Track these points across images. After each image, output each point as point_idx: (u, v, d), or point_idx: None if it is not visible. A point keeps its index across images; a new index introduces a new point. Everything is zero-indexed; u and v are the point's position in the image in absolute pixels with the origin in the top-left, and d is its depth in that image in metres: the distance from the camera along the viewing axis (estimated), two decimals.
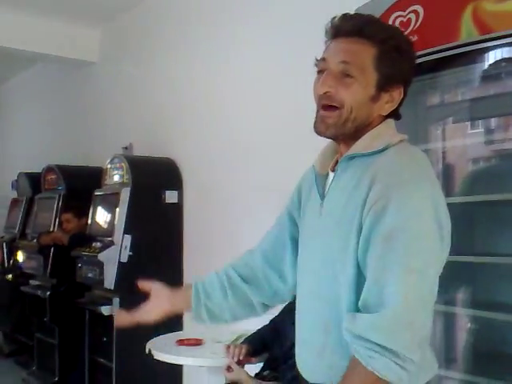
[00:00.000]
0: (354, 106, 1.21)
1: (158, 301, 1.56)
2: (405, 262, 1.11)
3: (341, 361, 1.19)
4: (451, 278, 1.94)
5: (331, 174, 1.30)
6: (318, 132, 1.26)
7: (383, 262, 1.12)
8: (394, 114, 1.29)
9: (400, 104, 1.27)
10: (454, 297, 1.99)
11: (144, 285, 1.59)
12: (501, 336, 1.89)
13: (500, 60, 1.81)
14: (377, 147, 1.21)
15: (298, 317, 1.37)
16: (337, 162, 1.30)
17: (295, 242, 1.44)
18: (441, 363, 1.97)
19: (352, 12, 1.28)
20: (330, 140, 1.33)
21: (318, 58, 1.27)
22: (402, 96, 1.26)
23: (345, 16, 1.25)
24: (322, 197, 1.30)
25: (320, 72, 1.26)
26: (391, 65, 1.22)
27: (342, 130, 1.24)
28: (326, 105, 1.23)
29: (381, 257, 1.13)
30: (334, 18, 1.25)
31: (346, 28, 1.23)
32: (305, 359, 1.34)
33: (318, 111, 1.26)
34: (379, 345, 1.08)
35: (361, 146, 1.24)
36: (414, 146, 1.28)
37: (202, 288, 1.52)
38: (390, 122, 1.29)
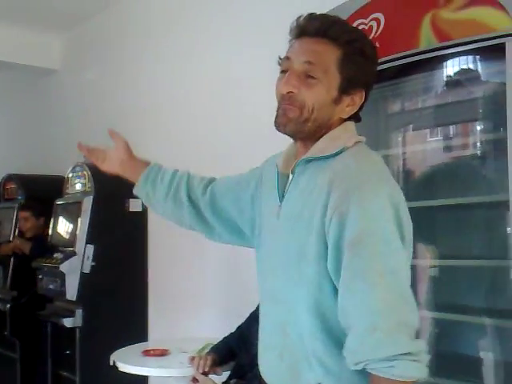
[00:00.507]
0: (316, 107, 1.21)
1: (116, 156, 1.66)
2: (375, 266, 1.11)
3: (299, 362, 1.21)
4: (412, 280, 1.99)
5: (290, 176, 1.29)
6: (278, 125, 1.25)
7: (353, 270, 1.12)
8: (355, 117, 1.29)
9: (361, 108, 1.28)
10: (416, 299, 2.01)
11: (114, 135, 1.68)
12: (463, 337, 1.92)
13: (459, 69, 1.85)
14: (332, 150, 1.22)
15: (261, 320, 1.38)
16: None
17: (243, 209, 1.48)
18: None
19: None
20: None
21: (282, 57, 1.27)
22: (363, 100, 1.26)
23: (311, 16, 1.24)
24: (281, 198, 1.29)
25: (283, 72, 1.25)
26: (355, 68, 1.22)
27: (301, 127, 1.23)
28: (288, 104, 1.23)
29: (349, 265, 1.12)
30: (300, 17, 1.24)
31: (312, 28, 1.22)
32: (266, 362, 1.34)
33: (279, 107, 1.25)
34: (390, 357, 1.08)
35: (317, 148, 1.24)
36: (370, 149, 1.28)
37: (154, 175, 1.58)
38: (349, 124, 1.28)
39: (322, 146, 1.24)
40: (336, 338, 1.16)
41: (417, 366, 1.10)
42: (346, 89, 1.22)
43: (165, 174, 1.58)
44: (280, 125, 1.25)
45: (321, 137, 1.25)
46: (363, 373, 1.13)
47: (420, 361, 1.10)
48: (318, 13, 1.26)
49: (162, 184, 1.57)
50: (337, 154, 1.21)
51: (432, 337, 1.98)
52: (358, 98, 1.25)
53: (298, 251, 1.21)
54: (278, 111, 1.26)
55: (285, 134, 1.28)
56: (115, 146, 1.65)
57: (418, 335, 1.14)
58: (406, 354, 1.08)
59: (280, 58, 1.27)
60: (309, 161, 1.25)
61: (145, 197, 1.59)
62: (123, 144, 1.66)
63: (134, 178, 1.60)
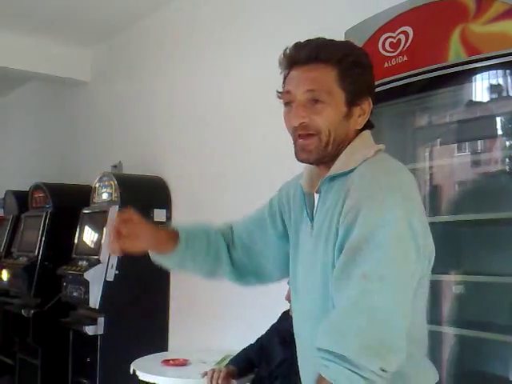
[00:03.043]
0: (331, 129, 1.24)
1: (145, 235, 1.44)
2: (363, 269, 1.09)
3: None
4: (437, 296, 1.96)
5: (316, 195, 1.31)
6: (302, 160, 1.29)
7: (347, 272, 1.12)
8: (368, 125, 1.31)
9: (371, 113, 1.30)
10: (440, 315, 1.98)
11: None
12: (490, 356, 1.88)
13: (488, 83, 1.84)
14: (354, 165, 1.23)
15: (296, 335, 1.38)
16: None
17: (282, 242, 1.45)
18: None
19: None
20: None
21: (280, 91, 1.30)
22: (371, 106, 1.29)
23: (297, 45, 1.27)
24: (311, 219, 1.31)
25: (287, 104, 1.28)
26: (354, 80, 1.24)
27: (324, 153, 1.26)
28: (304, 134, 1.25)
29: (344, 267, 1.13)
30: (286, 49, 1.28)
31: (302, 56, 1.25)
32: (306, 376, 1.33)
33: (295, 141, 1.28)
34: (327, 351, 1.06)
35: (339, 164, 1.26)
36: (391, 156, 1.28)
37: (192, 239, 1.47)
38: (365, 133, 1.30)
39: (343, 162, 1.26)
40: None
41: (351, 377, 1.02)
42: (352, 101, 1.25)
43: (197, 234, 1.49)
44: (303, 160, 1.28)
45: (340, 152, 1.27)
46: None
47: (361, 376, 1.02)
48: (303, 40, 1.28)
49: (201, 244, 1.48)
50: (358, 166, 1.23)
51: (460, 354, 1.94)
52: (367, 105, 1.28)
53: (331, 265, 1.20)
54: (295, 147, 1.28)
55: (309, 164, 1.32)
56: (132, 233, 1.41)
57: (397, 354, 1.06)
58: (342, 358, 1.03)
59: (278, 92, 1.31)
60: (333, 178, 1.26)
61: (178, 262, 1.49)
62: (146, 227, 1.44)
63: (163, 248, 1.47)
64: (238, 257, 1.50)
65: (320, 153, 1.25)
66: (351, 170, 1.23)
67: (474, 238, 1.93)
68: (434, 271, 1.90)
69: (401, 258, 1.12)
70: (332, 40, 1.30)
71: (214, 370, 2.31)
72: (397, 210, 1.13)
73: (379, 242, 1.10)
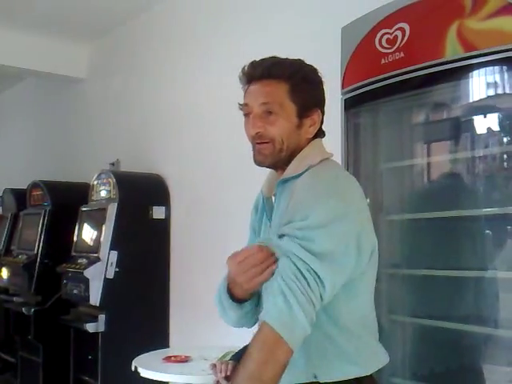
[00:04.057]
0: (284, 137, 1.39)
1: None
2: (293, 250, 1.24)
3: (299, 359, 1.28)
4: (431, 290, 1.99)
5: (273, 198, 1.46)
6: (258, 163, 1.44)
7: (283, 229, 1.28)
8: (319, 134, 1.46)
9: (321, 123, 1.45)
10: (416, 309, 2.02)
11: None
12: (459, 346, 1.91)
13: (485, 79, 1.84)
14: (301, 170, 1.38)
15: None
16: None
17: None
18: (404, 374, 2.00)
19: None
20: None
21: (241, 103, 1.45)
22: (321, 117, 1.45)
23: (252, 64, 1.43)
24: (270, 219, 1.46)
25: (246, 115, 1.44)
26: (304, 94, 1.40)
27: (277, 157, 1.41)
28: (260, 142, 1.41)
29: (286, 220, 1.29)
30: (244, 67, 1.44)
31: (257, 73, 1.41)
32: None
33: (253, 147, 1.43)
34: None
35: (290, 169, 1.41)
36: (336, 163, 1.47)
37: None
38: (316, 142, 1.46)
39: (293, 167, 1.41)
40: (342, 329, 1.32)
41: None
42: (303, 113, 1.41)
43: None
44: (260, 162, 1.44)
45: (293, 158, 1.42)
46: (350, 362, 1.30)
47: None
48: (258, 59, 1.44)
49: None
50: (304, 173, 1.38)
51: (430, 345, 1.98)
52: (316, 116, 1.44)
53: None
54: (253, 151, 1.44)
55: (265, 167, 1.47)
56: None
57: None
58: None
59: (240, 104, 1.46)
60: (285, 181, 1.41)
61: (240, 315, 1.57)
62: None
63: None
64: None
65: (274, 157, 1.41)
66: (298, 175, 1.38)
67: (472, 233, 1.94)
68: (428, 265, 1.93)
69: (328, 256, 1.24)
70: (285, 58, 1.45)
71: (221, 363, 2.32)
72: (330, 213, 1.26)
73: (303, 237, 1.24)
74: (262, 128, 1.39)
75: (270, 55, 1.46)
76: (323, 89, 1.47)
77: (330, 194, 1.30)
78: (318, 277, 1.21)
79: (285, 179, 1.41)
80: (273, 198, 1.46)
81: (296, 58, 1.47)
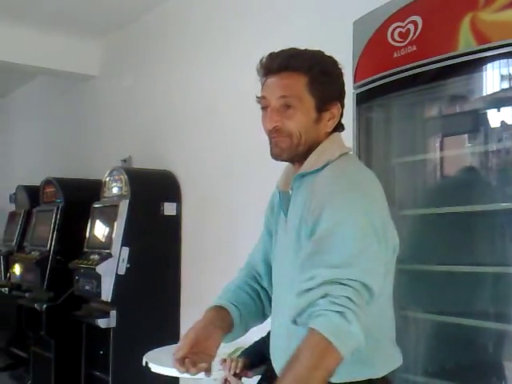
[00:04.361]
0: (302, 132, 1.36)
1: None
2: (330, 261, 1.19)
3: None
4: (439, 286, 1.97)
5: (290, 192, 1.43)
6: (275, 156, 1.41)
7: (311, 261, 1.22)
8: (338, 127, 1.44)
9: (341, 116, 1.43)
10: (433, 305, 2.01)
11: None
12: (472, 342, 1.90)
13: (499, 72, 1.82)
14: (320, 164, 1.36)
15: (271, 321, 1.51)
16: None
17: None
18: (424, 371, 1.99)
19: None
20: None
21: (259, 96, 1.42)
22: (340, 110, 1.42)
23: (271, 55, 1.40)
24: (286, 214, 1.43)
25: (264, 108, 1.41)
26: (323, 88, 1.37)
27: (295, 152, 1.39)
28: (277, 136, 1.38)
29: (309, 257, 1.23)
30: (262, 59, 1.41)
31: (275, 66, 1.37)
32: (274, 359, 1.47)
33: (270, 140, 1.41)
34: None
35: (308, 164, 1.39)
36: (356, 158, 1.48)
37: (238, 315, 1.50)
38: (334, 135, 1.43)
39: (312, 161, 1.39)
40: None
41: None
42: (322, 107, 1.38)
43: (243, 301, 1.53)
44: (276, 156, 1.41)
45: (312, 152, 1.39)
46: (364, 363, 1.26)
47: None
48: (277, 50, 1.41)
49: (250, 308, 1.55)
50: (323, 168, 1.36)
51: (444, 341, 1.97)
52: (336, 110, 1.41)
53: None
54: (270, 145, 1.41)
55: (282, 161, 1.45)
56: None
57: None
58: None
59: (257, 97, 1.43)
60: (303, 175, 1.39)
61: (237, 334, 1.53)
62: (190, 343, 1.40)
63: (219, 334, 1.45)
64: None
65: (291, 152, 1.39)
66: (317, 170, 1.36)
67: (483, 228, 1.92)
68: (441, 261, 1.92)
69: (364, 249, 1.21)
70: (303, 50, 1.41)
71: (232, 359, 2.32)
72: (355, 209, 1.24)
73: (341, 236, 1.21)
74: (279, 122, 1.37)
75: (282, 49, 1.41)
76: (343, 81, 1.44)
77: (354, 191, 1.28)
78: (364, 284, 1.17)
79: (302, 174, 1.39)
80: (290, 192, 1.43)
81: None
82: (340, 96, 1.42)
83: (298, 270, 1.25)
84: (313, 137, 1.38)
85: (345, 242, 1.20)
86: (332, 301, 1.14)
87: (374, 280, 1.21)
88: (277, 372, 1.42)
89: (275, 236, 1.49)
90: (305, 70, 1.35)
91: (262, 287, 1.57)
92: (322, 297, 1.15)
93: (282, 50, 1.40)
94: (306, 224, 1.30)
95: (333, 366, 1.15)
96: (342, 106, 1.43)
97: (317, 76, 1.36)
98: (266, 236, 1.57)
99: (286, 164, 1.51)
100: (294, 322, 1.23)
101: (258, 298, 1.57)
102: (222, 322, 1.45)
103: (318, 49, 1.45)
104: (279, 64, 1.37)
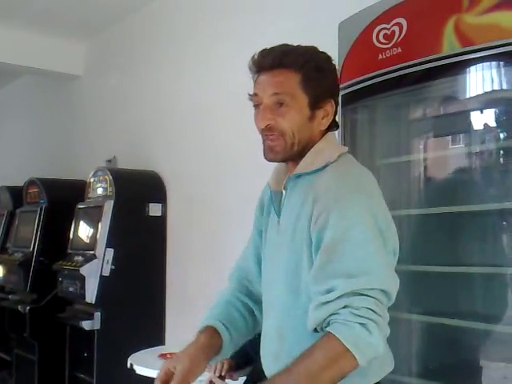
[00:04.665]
0: (295, 130, 1.33)
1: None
2: (345, 270, 1.17)
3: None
4: (431, 286, 1.98)
5: (284, 192, 1.39)
6: (269, 159, 1.38)
7: (326, 271, 1.19)
8: (333, 125, 1.41)
9: (335, 114, 1.39)
10: (420, 306, 2.02)
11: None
12: (465, 343, 1.91)
13: (482, 74, 1.83)
14: (318, 165, 1.33)
15: (262, 328, 1.46)
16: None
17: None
18: (410, 372, 2.00)
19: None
20: None
21: (251, 94, 1.38)
22: (334, 108, 1.38)
23: (263, 52, 1.36)
24: (278, 214, 1.40)
25: (256, 106, 1.37)
26: (316, 85, 1.33)
27: (290, 152, 1.35)
28: (270, 135, 1.34)
29: (322, 267, 1.20)
30: (254, 55, 1.37)
31: (267, 62, 1.33)
32: (265, 364, 1.43)
33: (263, 141, 1.37)
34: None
35: (305, 163, 1.35)
36: (354, 158, 1.40)
37: (227, 334, 1.44)
38: (329, 135, 1.40)
39: (308, 161, 1.35)
40: None
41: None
42: (315, 104, 1.34)
43: (231, 318, 1.49)
44: (271, 159, 1.38)
45: (307, 152, 1.36)
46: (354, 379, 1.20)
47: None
48: (268, 47, 1.37)
49: (239, 323, 1.50)
50: (323, 169, 1.33)
51: (437, 343, 1.97)
52: (330, 107, 1.37)
53: (297, 260, 1.30)
54: (264, 145, 1.37)
55: (276, 162, 1.41)
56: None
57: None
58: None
59: (249, 95, 1.39)
60: (298, 176, 1.36)
61: (227, 351, 1.48)
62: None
63: (214, 354, 1.44)
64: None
65: (286, 153, 1.35)
66: (315, 171, 1.33)
67: (466, 229, 1.94)
68: (428, 262, 1.93)
69: (375, 253, 1.20)
70: (296, 46, 1.37)
71: (218, 361, 2.32)
72: (363, 210, 1.23)
73: (353, 243, 1.19)
74: (272, 120, 1.33)
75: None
76: (337, 78, 1.41)
77: (360, 192, 1.26)
78: (383, 291, 1.17)
79: (298, 174, 1.36)
80: (283, 191, 1.40)
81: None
82: (334, 93, 1.39)
83: (311, 281, 1.23)
84: (307, 135, 1.35)
85: (356, 248, 1.18)
86: (353, 312, 1.13)
87: (391, 284, 1.20)
88: (267, 375, 1.38)
89: (265, 235, 1.47)
90: (298, 67, 1.32)
91: (254, 301, 1.52)
92: (343, 308, 1.15)
93: (274, 47, 1.36)
94: (307, 227, 1.27)
95: (346, 370, 1.15)
96: (336, 104, 1.40)
97: (310, 73, 1.32)
98: (257, 236, 1.53)
99: (275, 163, 1.47)
100: (315, 330, 1.22)
101: (249, 316, 1.52)
102: (212, 349, 1.41)
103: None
104: (272, 61, 1.33)
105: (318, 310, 1.18)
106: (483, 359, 1.84)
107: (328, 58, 1.39)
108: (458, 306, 1.90)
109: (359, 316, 1.12)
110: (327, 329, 1.16)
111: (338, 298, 1.15)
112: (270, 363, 1.39)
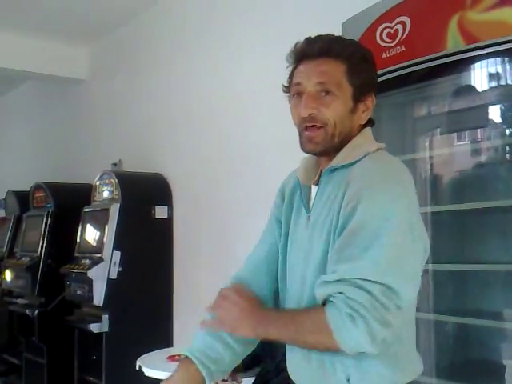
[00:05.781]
0: (338, 122, 1.27)
1: None
2: (356, 256, 1.15)
3: (327, 361, 1.23)
4: (439, 285, 1.97)
5: (314, 188, 1.34)
6: (308, 151, 1.33)
7: (340, 254, 1.17)
8: (369, 122, 1.37)
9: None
10: (442, 304, 2.00)
11: None
12: (490, 343, 1.89)
13: (487, 71, 1.83)
14: (356, 157, 1.27)
15: None
16: (320, 175, 1.35)
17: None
18: (431, 371, 1.98)
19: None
20: None
21: (286, 85, 1.35)
22: (374, 103, 1.34)
23: (309, 40, 1.31)
24: (308, 210, 1.33)
25: (297, 95, 1.31)
26: (361, 76, 1.30)
27: (329, 144, 1.29)
28: (311, 126, 1.28)
29: (339, 249, 1.18)
30: (296, 43, 1.32)
31: (313, 50, 1.29)
32: (294, 363, 1.36)
33: (301, 132, 1.31)
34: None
35: (341, 157, 1.30)
36: (392, 155, 1.34)
37: (208, 371, 1.40)
38: (367, 130, 1.36)
39: (345, 155, 1.29)
40: None
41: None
42: (358, 97, 1.30)
43: (211, 353, 1.45)
44: (310, 151, 1.32)
45: (344, 146, 1.31)
46: (389, 367, 1.19)
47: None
48: (316, 34, 1.33)
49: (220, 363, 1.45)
50: (359, 160, 1.27)
51: (460, 342, 1.95)
52: (370, 101, 1.33)
53: (326, 252, 1.25)
54: (301, 138, 1.32)
55: (314, 154, 1.35)
56: None
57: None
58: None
59: (284, 86, 1.35)
60: (333, 170, 1.30)
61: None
62: None
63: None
64: None
65: (326, 144, 1.29)
66: (351, 164, 1.27)
67: (473, 226, 1.93)
68: (435, 260, 1.92)
69: (399, 247, 1.16)
70: (341, 37, 1.36)
71: None
72: (397, 202, 1.19)
73: (374, 231, 1.15)
74: (315, 109, 1.26)
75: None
76: (377, 74, 1.37)
77: (395, 183, 1.21)
78: (388, 287, 1.12)
79: (333, 167, 1.29)
80: (313, 187, 1.35)
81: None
82: (375, 88, 1.35)
83: (328, 261, 1.22)
84: (347, 128, 1.30)
85: (377, 237, 1.14)
86: (346, 302, 1.12)
87: (403, 282, 1.15)
88: (293, 374, 1.36)
89: (286, 228, 1.41)
90: (344, 57, 1.28)
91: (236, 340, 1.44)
92: (339, 293, 1.14)
93: (320, 36, 1.31)
94: (336, 217, 1.22)
95: (328, 346, 1.16)
96: (375, 99, 1.35)
97: (356, 63, 1.28)
98: (275, 224, 1.46)
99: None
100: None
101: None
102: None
103: None
104: (319, 49, 1.28)
105: (318, 287, 1.19)
106: (506, 358, 1.83)
107: (370, 51, 1.36)
108: (479, 305, 1.89)
109: (350, 307, 1.11)
110: (326, 305, 1.17)
111: (337, 281, 1.14)
112: (300, 360, 1.32)
